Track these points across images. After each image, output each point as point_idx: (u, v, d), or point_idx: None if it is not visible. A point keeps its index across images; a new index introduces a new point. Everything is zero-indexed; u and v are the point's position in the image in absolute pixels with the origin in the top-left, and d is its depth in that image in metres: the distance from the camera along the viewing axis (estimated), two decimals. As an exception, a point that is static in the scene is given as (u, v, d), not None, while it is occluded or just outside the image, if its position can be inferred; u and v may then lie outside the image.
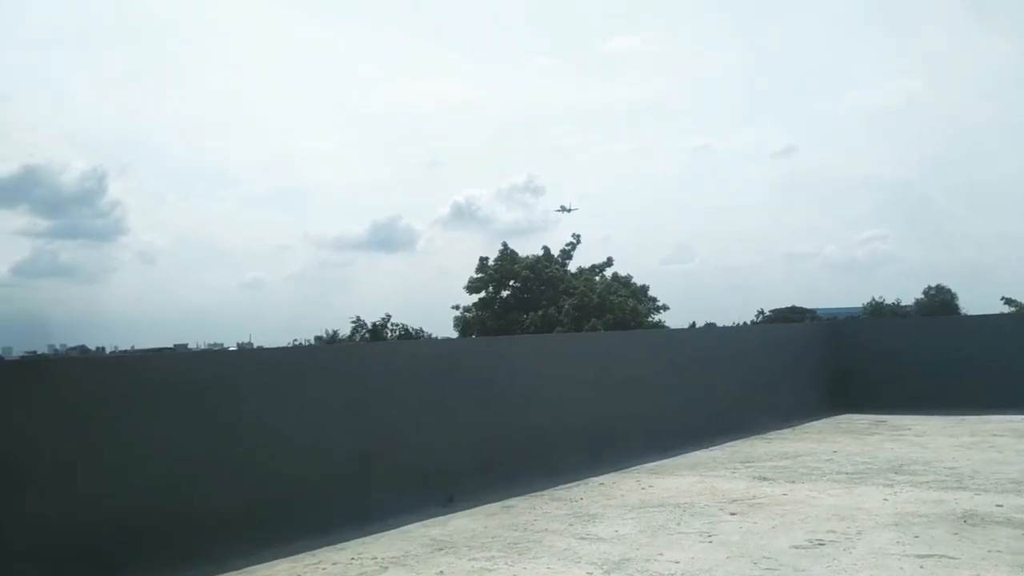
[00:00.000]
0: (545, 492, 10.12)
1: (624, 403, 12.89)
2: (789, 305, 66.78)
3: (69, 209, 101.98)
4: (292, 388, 8.76)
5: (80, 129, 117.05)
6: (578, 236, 43.93)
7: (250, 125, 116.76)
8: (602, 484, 10.59)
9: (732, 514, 8.60)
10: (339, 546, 7.90)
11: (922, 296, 69.16)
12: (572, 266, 43.25)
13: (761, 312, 67.76)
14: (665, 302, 42.95)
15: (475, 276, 42.28)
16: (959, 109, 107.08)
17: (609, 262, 42.79)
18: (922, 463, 11.12)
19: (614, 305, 37.86)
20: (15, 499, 6.73)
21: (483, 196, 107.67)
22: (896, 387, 17.32)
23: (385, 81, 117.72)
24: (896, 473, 10.50)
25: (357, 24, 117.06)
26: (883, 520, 8.07)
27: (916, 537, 7.41)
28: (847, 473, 10.65)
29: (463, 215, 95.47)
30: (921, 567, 6.54)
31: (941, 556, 6.81)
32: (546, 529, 8.30)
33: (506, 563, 7.15)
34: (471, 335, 39.36)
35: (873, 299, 68.60)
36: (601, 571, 6.81)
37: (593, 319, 36.97)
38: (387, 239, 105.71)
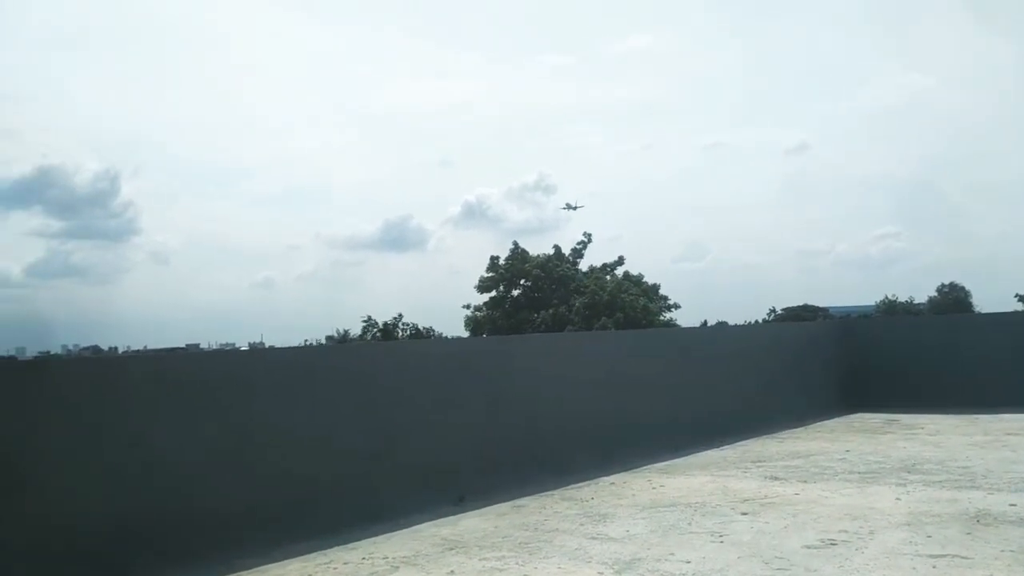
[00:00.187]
0: (555, 492, 10.11)
1: (635, 402, 12.86)
2: (801, 303, 66.57)
3: (82, 210, 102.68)
4: (303, 388, 8.78)
5: (93, 131, 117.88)
6: (589, 235, 43.98)
7: (263, 126, 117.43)
8: (613, 484, 10.57)
9: (744, 514, 8.57)
10: (350, 546, 7.92)
11: (935, 294, 68.86)
12: (583, 265, 43.30)
13: (773, 310, 67.62)
14: (676, 300, 43.00)
15: (486, 275, 42.35)
16: (972, 106, 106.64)
17: (620, 261, 42.81)
18: (935, 462, 11.06)
19: (625, 303, 37.84)
20: (24, 500, 6.77)
21: (494, 195, 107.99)
22: (909, 386, 17.22)
23: (396, 80, 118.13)
24: (909, 472, 10.44)
25: (369, 24, 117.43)
26: (896, 520, 8.03)
27: (929, 537, 7.37)
28: (859, 472, 10.60)
29: (474, 214, 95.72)
30: (934, 567, 6.50)
31: (954, 556, 6.77)
32: (557, 529, 8.30)
33: (517, 563, 7.15)
34: (482, 334, 39.40)
35: (886, 297, 68.45)
36: (612, 571, 6.80)
37: (604, 318, 36.96)
38: (398, 238, 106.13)
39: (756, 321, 58.91)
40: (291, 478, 8.43)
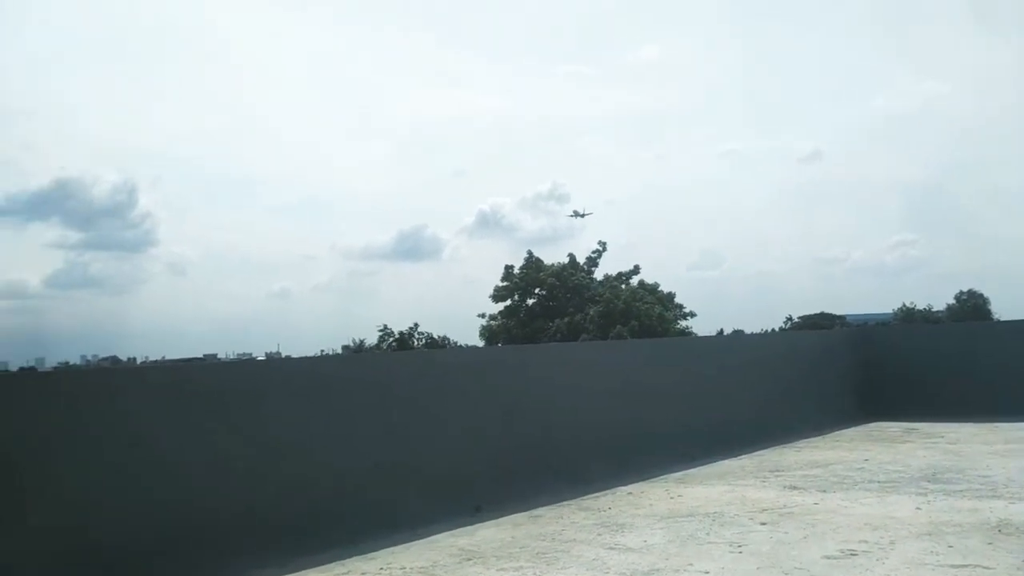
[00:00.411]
0: (572, 501, 10.09)
1: (651, 411, 12.83)
2: (818, 311, 66.29)
3: (100, 221, 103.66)
4: (320, 398, 8.81)
5: (111, 143, 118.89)
6: (604, 244, 43.96)
7: (280, 136, 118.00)
8: (630, 493, 10.54)
9: (762, 524, 8.52)
10: (368, 556, 7.92)
11: (954, 301, 68.30)
12: (598, 273, 43.26)
13: (789, 318, 67.31)
14: (692, 309, 42.84)
15: (500, 284, 42.37)
16: (986, 111, 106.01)
17: (636, 270, 42.74)
18: (955, 471, 10.96)
19: (640, 312, 37.76)
20: (38, 507, 6.82)
21: (508, 204, 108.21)
22: (928, 394, 17.07)
23: (410, 91, 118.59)
24: (929, 482, 10.35)
25: (383, 35, 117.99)
26: (916, 530, 7.96)
27: (950, 547, 7.30)
28: (879, 482, 10.52)
29: (488, 224, 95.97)
30: (956, 578, 6.44)
31: (976, 566, 6.70)
32: (574, 539, 8.27)
33: (534, 573, 7.13)
34: (497, 343, 39.41)
35: (904, 304, 67.99)
36: (630, 581, 6.76)
37: (619, 326, 36.88)
38: (413, 248, 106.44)
39: (772, 329, 58.65)
40: (308, 488, 8.46)
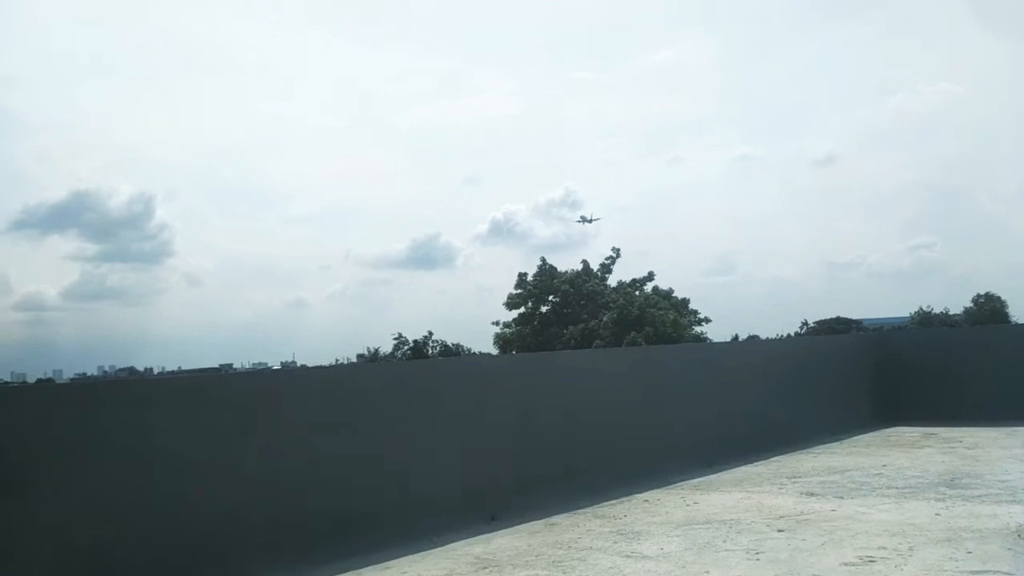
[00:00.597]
0: (588, 509, 10.08)
1: (667, 418, 12.81)
2: (834, 316, 65.84)
3: (117, 233, 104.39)
4: (335, 407, 8.84)
5: (127, 155, 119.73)
6: (617, 250, 43.83)
7: (291, 146, 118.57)
8: (646, 501, 10.52)
9: (780, 531, 8.49)
10: (385, 564, 7.94)
11: (971, 304, 67.68)
12: (612, 280, 43.12)
13: (805, 323, 66.94)
14: (707, 314, 42.62)
15: (514, 292, 42.34)
16: (1002, 114, 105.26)
17: (650, 276, 42.57)
18: (974, 476, 10.88)
19: (654, 318, 37.64)
20: (53, 514, 6.88)
21: (521, 212, 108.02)
22: (946, 398, 16.96)
23: (424, 98, 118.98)
24: (948, 487, 10.29)
25: (396, 44, 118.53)
26: (935, 536, 7.92)
27: (969, 553, 7.25)
28: (897, 488, 10.46)
29: (501, 231, 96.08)
30: (976, 584, 6.40)
31: (995, 572, 6.66)
32: (590, 547, 8.27)
33: (551, 581, 7.13)
34: (511, 351, 39.41)
35: (920, 308, 67.47)
36: (647, 589, 6.75)
37: (633, 332, 36.79)
38: (426, 256, 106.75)
39: (788, 334, 58.40)
40: (324, 497, 8.49)
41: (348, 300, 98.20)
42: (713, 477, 12.00)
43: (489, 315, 43.96)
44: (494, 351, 41.99)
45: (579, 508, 10.10)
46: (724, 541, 8.18)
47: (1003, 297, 66.12)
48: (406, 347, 42.46)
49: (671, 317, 38.46)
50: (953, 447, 13.64)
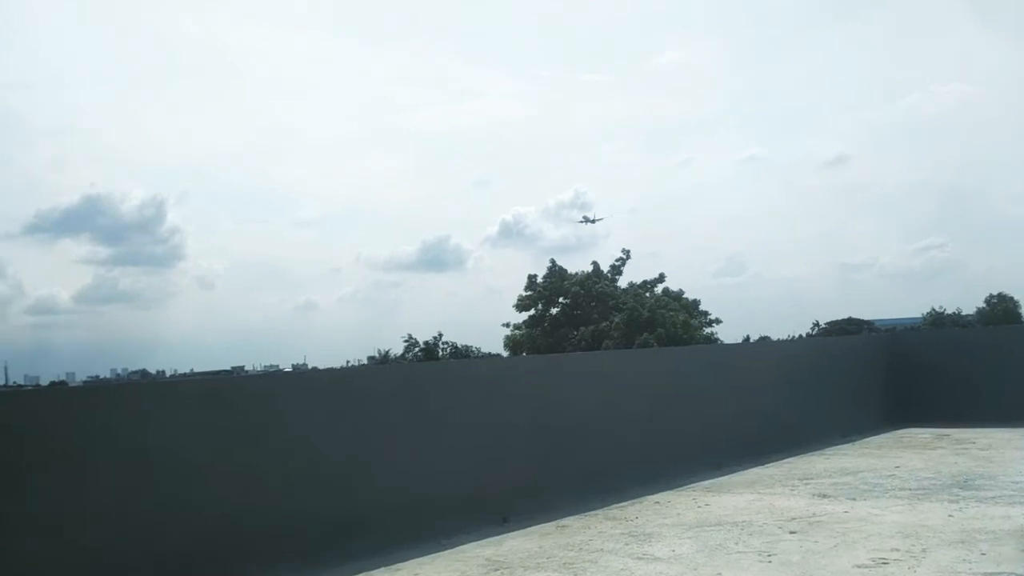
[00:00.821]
0: (599, 511, 10.06)
1: (678, 420, 12.78)
2: (845, 317, 65.67)
3: (129, 237, 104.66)
4: (347, 408, 8.86)
5: (139, 159, 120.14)
6: (627, 251, 43.84)
7: (302, 149, 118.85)
8: (657, 503, 10.49)
9: (792, 532, 8.46)
10: (395, 567, 7.95)
11: (983, 305, 67.36)
12: (622, 281, 43.14)
13: (816, 324, 66.80)
14: (717, 316, 42.59)
15: (524, 294, 42.40)
16: (1014, 113, 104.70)
17: (661, 278, 42.55)
18: (987, 477, 10.82)
19: (665, 319, 37.60)
20: (62, 520, 6.91)
21: (530, 214, 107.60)
22: (958, 399, 16.86)
23: (432, 101, 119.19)
24: (961, 488, 10.23)
25: (405, 47, 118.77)
26: (948, 537, 7.87)
27: (983, 554, 7.21)
28: (910, 489, 10.41)
29: (511, 233, 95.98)
30: (990, 586, 6.37)
31: (1009, 574, 6.62)
32: (601, 549, 8.25)
33: (562, 583, 7.13)
34: (521, 353, 39.42)
35: (933, 309, 67.21)
36: (658, 591, 6.74)
37: (644, 334, 36.76)
38: (436, 259, 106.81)
39: (799, 335, 58.26)
40: (334, 499, 8.50)
41: (358, 303, 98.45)
42: (724, 479, 11.96)
43: (499, 317, 44.08)
44: (504, 353, 42.03)
45: (590, 510, 10.09)
46: (736, 543, 8.16)
47: (1016, 297, 65.86)
48: (417, 349, 42.54)
49: (682, 319, 38.43)
50: (966, 448, 13.56)
